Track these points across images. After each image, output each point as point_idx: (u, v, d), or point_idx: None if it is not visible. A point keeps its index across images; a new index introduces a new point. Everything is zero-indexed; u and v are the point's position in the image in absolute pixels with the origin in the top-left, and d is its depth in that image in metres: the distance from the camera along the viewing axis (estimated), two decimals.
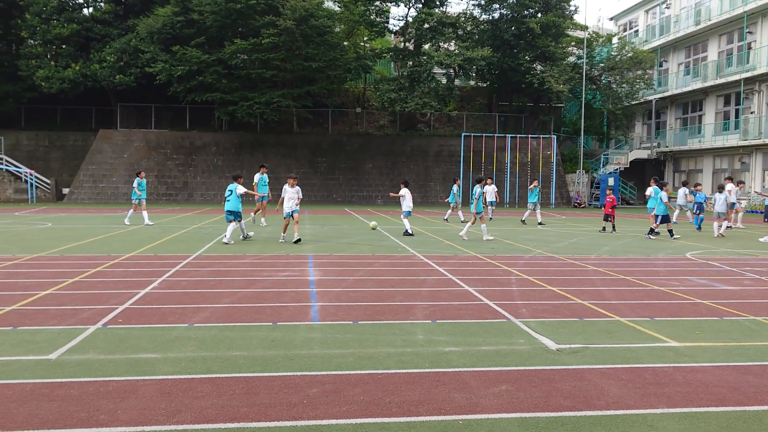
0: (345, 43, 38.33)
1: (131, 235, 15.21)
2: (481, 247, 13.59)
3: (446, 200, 23.13)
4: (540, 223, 20.82)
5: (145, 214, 18.47)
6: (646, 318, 6.64)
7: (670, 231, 16.47)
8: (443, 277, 9.30)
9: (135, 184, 18.37)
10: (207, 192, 36.77)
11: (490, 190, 22.72)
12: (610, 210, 18.48)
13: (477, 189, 15.02)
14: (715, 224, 17.73)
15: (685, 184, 21.44)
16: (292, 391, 4.25)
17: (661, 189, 16.35)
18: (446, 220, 21.91)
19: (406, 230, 16.01)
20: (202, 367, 4.77)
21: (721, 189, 18.63)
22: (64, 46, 35.95)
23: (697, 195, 19.79)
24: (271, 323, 6.20)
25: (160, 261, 10.65)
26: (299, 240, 13.98)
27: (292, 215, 14.09)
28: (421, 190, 37.82)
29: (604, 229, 18.80)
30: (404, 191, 16.21)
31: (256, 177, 18.96)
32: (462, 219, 21.18)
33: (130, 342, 5.46)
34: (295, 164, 37.89)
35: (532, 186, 21.61)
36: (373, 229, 17.52)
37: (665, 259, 11.87)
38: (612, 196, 18.86)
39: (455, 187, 21.67)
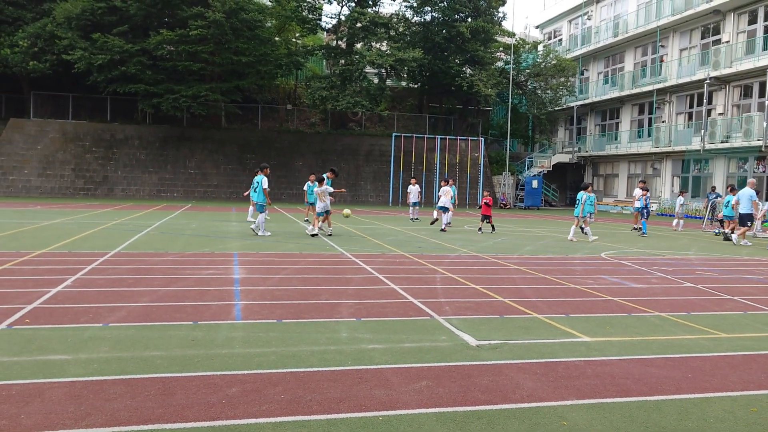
0: (276, 38, 37.83)
1: (44, 231, 14.40)
2: (409, 245, 13.77)
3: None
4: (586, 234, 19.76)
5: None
6: (561, 315, 6.94)
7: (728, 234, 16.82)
8: (370, 275, 9.35)
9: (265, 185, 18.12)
10: (129, 187, 35.34)
11: (414, 191, 22.92)
12: (488, 210, 18.14)
13: (583, 195, 16.62)
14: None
15: (644, 185, 20.43)
16: (210, 391, 4.16)
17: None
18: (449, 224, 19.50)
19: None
20: (116, 368, 4.58)
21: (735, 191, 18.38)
22: None
23: (641, 199, 19.54)
24: (191, 322, 6.04)
25: (75, 258, 10.15)
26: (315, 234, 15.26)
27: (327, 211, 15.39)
28: (352, 189, 37.86)
29: (479, 229, 18.28)
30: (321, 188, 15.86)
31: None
32: (445, 221, 19.71)
33: (38, 343, 5.17)
34: (222, 160, 37.05)
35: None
36: (347, 216, 17.47)
37: (582, 259, 12.43)
38: (488, 197, 18.36)
39: (453, 189, 19.83)
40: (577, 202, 16.85)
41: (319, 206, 15.42)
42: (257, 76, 35.96)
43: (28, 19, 33.92)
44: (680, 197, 23.42)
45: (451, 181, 20.67)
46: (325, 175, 16.39)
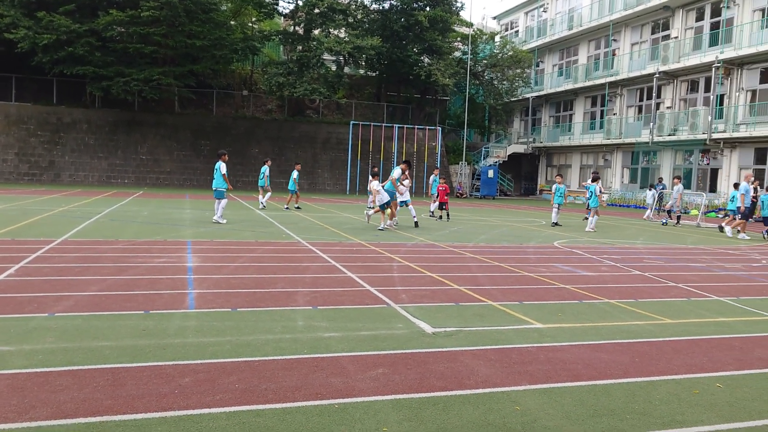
0: (232, 22, 37.03)
1: None
2: (366, 234, 13.77)
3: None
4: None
5: (266, 195, 20.76)
6: (515, 302, 7.07)
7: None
8: (327, 263, 9.31)
9: (266, 172, 20.55)
10: (77, 173, 34.16)
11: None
12: (444, 198, 18.48)
13: (596, 187, 17.22)
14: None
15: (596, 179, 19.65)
16: (162, 381, 4.07)
17: None
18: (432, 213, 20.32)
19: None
20: (62, 359, 4.43)
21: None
22: None
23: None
24: (142, 311, 5.89)
25: (19, 246, 9.75)
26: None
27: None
28: (309, 177, 37.58)
29: (440, 217, 18.68)
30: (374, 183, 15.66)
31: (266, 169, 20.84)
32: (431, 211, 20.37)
33: None
34: (176, 146, 36.19)
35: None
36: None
37: (535, 248, 12.69)
38: (445, 184, 18.70)
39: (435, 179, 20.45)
40: (590, 193, 17.29)
41: (378, 199, 15.19)
42: (212, 60, 35.13)
43: None
44: (651, 190, 24.13)
45: (436, 171, 21.33)
46: (400, 167, 16.25)
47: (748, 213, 17.50)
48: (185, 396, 3.82)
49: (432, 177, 20.61)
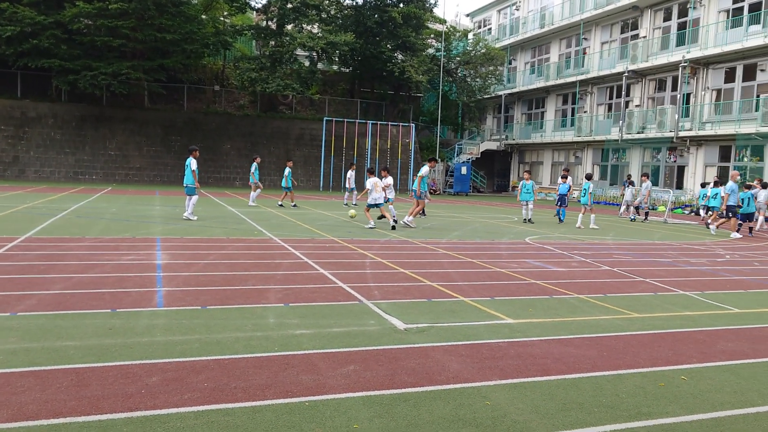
0: (203, 16, 36.49)
1: None
2: (339, 230, 13.72)
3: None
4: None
5: (253, 194, 20.87)
6: (487, 298, 7.12)
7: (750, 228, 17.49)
8: (299, 260, 9.25)
9: (252, 170, 20.73)
10: (42, 168, 33.33)
11: (353, 177, 23.06)
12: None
13: (590, 185, 17.66)
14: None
15: (567, 173, 19.95)
16: (129, 381, 3.99)
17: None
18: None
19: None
20: (24, 359, 4.31)
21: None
22: None
23: (561, 186, 19.33)
24: (109, 310, 5.77)
25: None
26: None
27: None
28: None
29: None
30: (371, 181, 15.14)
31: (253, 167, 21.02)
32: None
33: None
34: (145, 142, 35.57)
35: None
36: (352, 217, 16.75)
37: (507, 244, 12.80)
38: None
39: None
40: (584, 191, 17.43)
41: (373, 198, 14.71)
42: (183, 54, 34.59)
43: None
44: (629, 186, 23.98)
45: (430, 164, 20.81)
46: (427, 165, 16.15)
47: (735, 211, 17.60)
48: (152, 395, 3.76)
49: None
